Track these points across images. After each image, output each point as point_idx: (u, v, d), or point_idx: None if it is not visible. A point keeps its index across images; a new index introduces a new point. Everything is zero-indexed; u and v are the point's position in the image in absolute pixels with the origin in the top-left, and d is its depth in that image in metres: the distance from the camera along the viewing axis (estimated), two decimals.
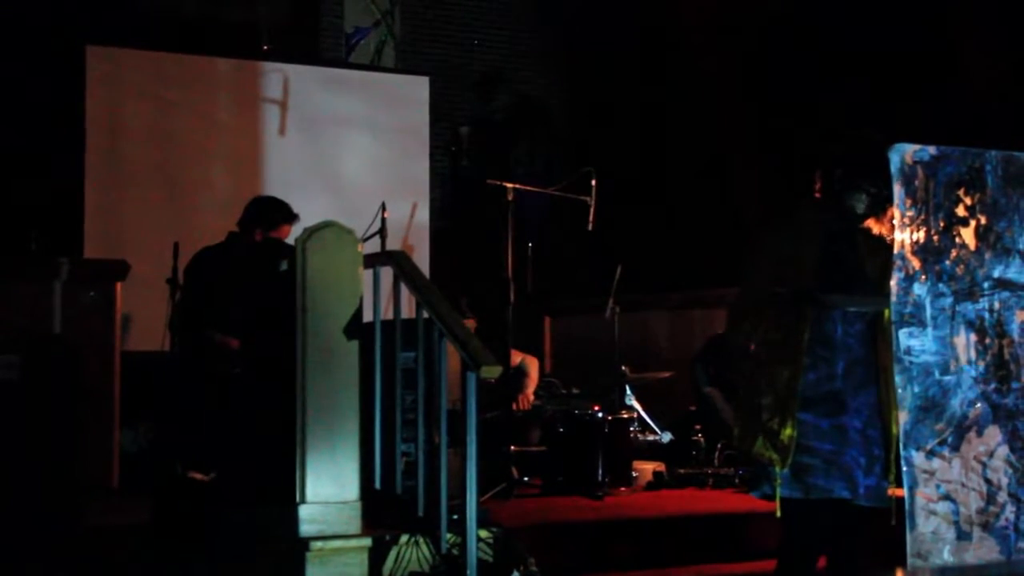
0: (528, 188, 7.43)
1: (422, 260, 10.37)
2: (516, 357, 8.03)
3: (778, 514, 4.29)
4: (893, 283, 4.05)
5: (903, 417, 4.02)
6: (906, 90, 9.01)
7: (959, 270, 4.17)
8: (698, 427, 7.65)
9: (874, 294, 4.26)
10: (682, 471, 7.47)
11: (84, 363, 5.89)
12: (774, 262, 4.33)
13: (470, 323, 7.73)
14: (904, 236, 4.07)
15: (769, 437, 4.25)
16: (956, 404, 4.11)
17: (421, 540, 5.01)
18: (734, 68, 10.80)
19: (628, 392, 7.91)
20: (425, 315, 5.14)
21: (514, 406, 7.73)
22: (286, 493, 5.01)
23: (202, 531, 5.69)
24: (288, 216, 6.96)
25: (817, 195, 4.43)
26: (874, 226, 4.30)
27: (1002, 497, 4.16)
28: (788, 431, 4.23)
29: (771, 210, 9.41)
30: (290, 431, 5.01)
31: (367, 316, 5.24)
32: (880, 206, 4.25)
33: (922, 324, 4.08)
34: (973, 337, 4.17)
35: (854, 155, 4.33)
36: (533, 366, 8.19)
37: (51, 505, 5.49)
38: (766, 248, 4.41)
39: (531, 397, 7.98)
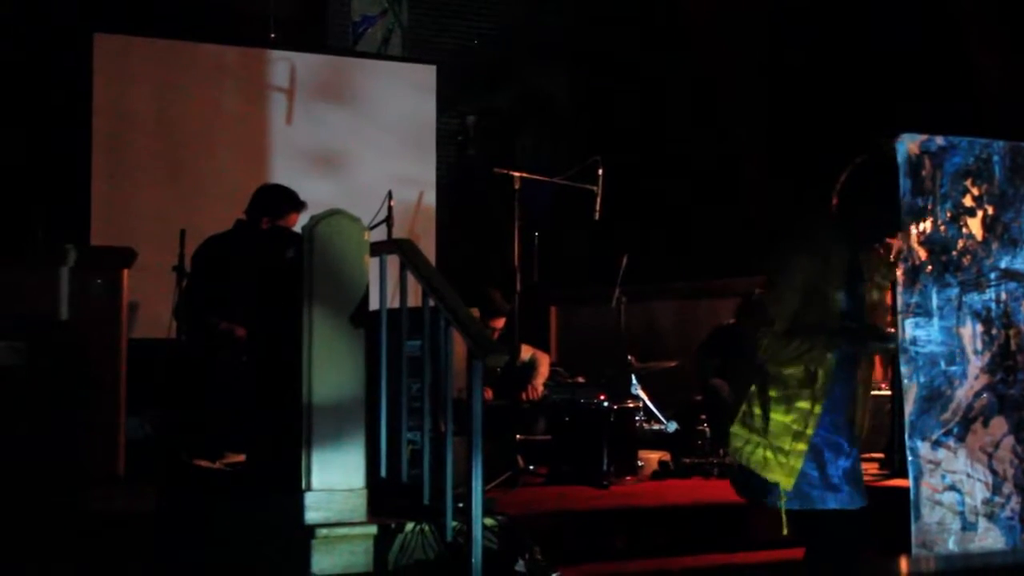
0: (535, 177, 7.43)
1: (428, 248, 10.37)
2: (527, 352, 8.05)
3: (784, 531, 4.26)
4: (899, 273, 4.04)
5: (908, 407, 4.02)
6: (914, 88, 9.00)
7: (966, 261, 4.17)
8: (703, 417, 7.65)
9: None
10: (687, 461, 7.47)
11: (90, 350, 5.91)
12: (806, 285, 4.24)
13: (499, 322, 7.74)
14: (910, 226, 4.07)
15: (777, 455, 4.21)
16: (962, 394, 4.11)
17: (426, 528, 5.02)
18: (740, 60, 10.79)
19: (634, 381, 7.91)
20: (431, 303, 5.15)
21: (523, 396, 7.74)
22: (292, 481, 5.02)
23: (207, 518, 5.71)
24: (295, 204, 6.96)
25: (834, 211, 4.34)
26: (894, 242, 4.23)
27: (1007, 488, 4.16)
28: (800, 448, 4.18)
29: (785, 215, 9.42)
30: (296, 419, 5.01)
31: (373, 304, 5.24)
32: (897, 223, 4.18)
33: (928, 314, 4.07)
34: (979, 328, 4.17)
35: (870, 172, 4.23)
36: (544, 362, 8.21)
37: (56, 492, 5.51)
38: (797, 270, 4.27)
39: (540, 389, 8.00)
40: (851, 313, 4.20)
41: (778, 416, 4.18)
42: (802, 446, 4.16)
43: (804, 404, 4.17)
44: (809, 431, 4.16)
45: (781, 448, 4.17)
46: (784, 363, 4.18)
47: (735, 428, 4.30)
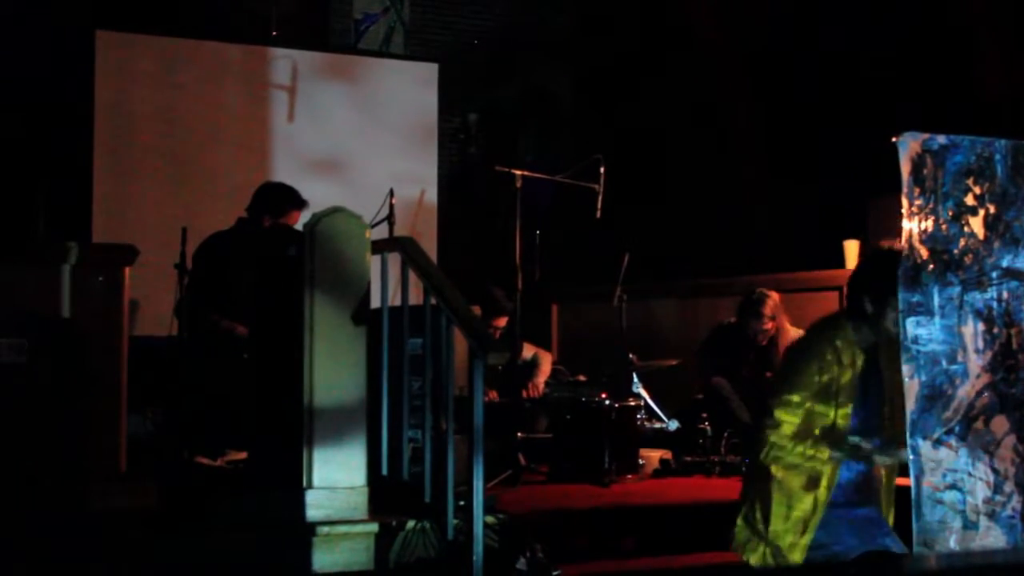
0: (536, 175, 7.43)
1: (430, 247, 10.37)
2: (529, 350, 8.05)
3: None
4: (900, 272, 4.04)
5: (910, 406, 4.02)
6: (914, 88, 8.99)
7: (967, 259, 4.16)
8: (705, 415, 7.64)
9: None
10: (689, 459, 7.47)
11: (92, 347, 5.90)
12: (816, 394, 4.21)
13: (501, 321, 7.74)
14: (912, 225, 4.06)
15: (775, 554, 4.20)
16: (963, 393, 4.10)
17: (427, 526, 5.02)
18: (741, 59, 10.79)
19: (635, 380, 7.91)
20: (432, 301, 5.15)
21: (524, 393, 7.75)
22: (293, 478, 5.02)
23: (208, 516, 5.71)
24: (297, 202, 6.96)
25: (846, 310, 4.33)
26: None
27: (1009, 487, 4.15)
28: (797, 555, 4.17)
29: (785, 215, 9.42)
30: (297, 417, 5.01)
31: (375, 302, 5.24)
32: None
33: (930, 313, 4.07)
34: (981, 326, 4.17)
35: (882, 276, 4.21)
36: (546, 360, 8.21)
37: (57, 489, 5.50)
38: (809, 378, 4.23)
39: (541, 387, 8.00)
40: (862, 425, 4.22)
41: (778, 524, 4.21)
42: (801, 550, 4.17)
43: (805, 511, 4.18)
44: (807, 538, 4.17)
45: (780, 549, 4.19)
46: (788, 466, 4.19)
47: (739, 522, 4.32)
